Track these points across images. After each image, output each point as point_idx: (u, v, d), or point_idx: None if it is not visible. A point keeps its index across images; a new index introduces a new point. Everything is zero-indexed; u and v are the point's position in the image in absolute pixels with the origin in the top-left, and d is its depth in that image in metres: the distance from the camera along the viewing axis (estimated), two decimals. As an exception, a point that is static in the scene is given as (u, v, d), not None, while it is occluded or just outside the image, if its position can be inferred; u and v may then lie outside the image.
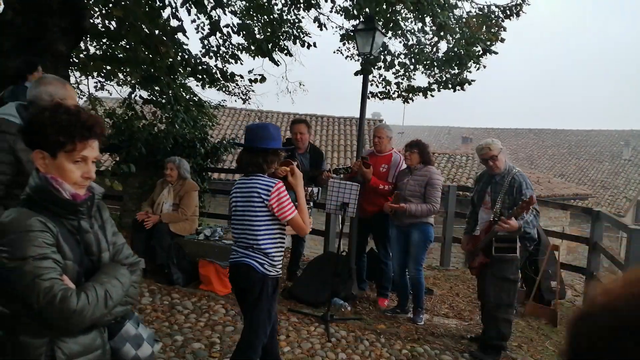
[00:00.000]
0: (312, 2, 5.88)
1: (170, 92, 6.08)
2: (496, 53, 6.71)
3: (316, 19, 6.36)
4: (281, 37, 6.56)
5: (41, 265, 1.29)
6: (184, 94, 6.58)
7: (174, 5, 5.24)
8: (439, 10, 5.44)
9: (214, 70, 6.22)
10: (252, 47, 6.54)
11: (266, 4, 6.49)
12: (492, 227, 3.65)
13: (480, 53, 6.67)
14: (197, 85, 6.85)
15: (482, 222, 3.90)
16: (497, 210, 3.68)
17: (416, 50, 7.07)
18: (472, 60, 6.68)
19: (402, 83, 7.51)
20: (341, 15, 6.61)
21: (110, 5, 5.62)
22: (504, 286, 3.70)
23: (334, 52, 7.80)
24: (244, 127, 3.02)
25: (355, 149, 6.16)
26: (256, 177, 2.58)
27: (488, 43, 6.65)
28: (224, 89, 7.63)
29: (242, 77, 6.68)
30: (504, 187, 3.68)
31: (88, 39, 6.47)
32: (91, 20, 5.63)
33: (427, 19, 5.88)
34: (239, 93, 7.96)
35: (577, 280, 6.81)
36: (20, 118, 2.21)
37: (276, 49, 6.45)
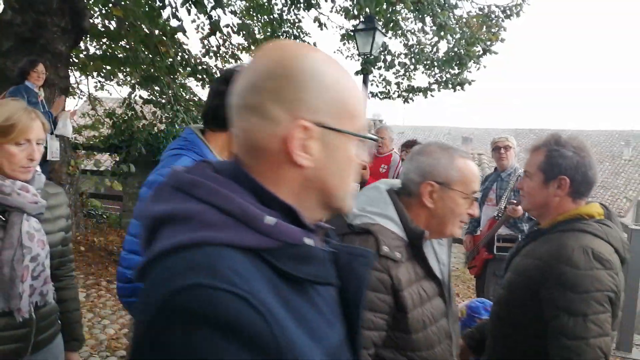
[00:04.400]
0: (312, 2, 5.87)
1: (170, 92, 6.07)
2: (496, 53, 6.72)
3: (316, 19, 6.36)
4: (281, 37, 6.56)
5: None
6: (183, 93, 6.57)
7: (174, 5, 5.24)
8: (439, 10, 5.44)
9: (213, 70, 6.22)
10: (252, 47, 6.54)
11: (266, 3, 6.49)
12: (495, 224, 3.67)
13: (480, 53, 6.67)
14: (197, 85, 6.85)
15: (485, 219, 3.91)
16: (502, 206, 3.70)
17: (416, 50, 7.07)
18: (472, 60, 6.68)
19: (402, 83, 7.51)
20: (341, 15, 6.62)
21: (110, 5, 5.62)
22: None
23: (334, 52, 7.81)
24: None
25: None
26: None
27: (488, 43, 6.66)
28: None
29: (242, 77, 6.69)
30: (510, 184, 3.74)
31: (88, 38, 6.46)
32: (91, 20, 5.63)
33: (428, 19, 5.88)
34: (239, 93, 7.96)
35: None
36: (404, 227, 1.25)
37: (276, 49, 6.45)
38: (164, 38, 5.39)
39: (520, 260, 1.46)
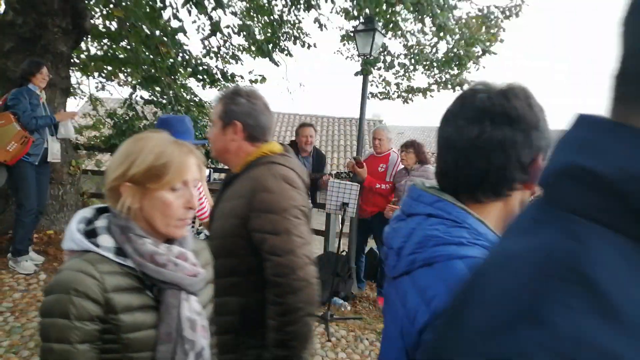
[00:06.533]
0: (312, 3, 5.90)
1: (171, 92, 6.10)
2: (495, 54, 6.74)
3: (316, 20, 6.39)
4: (281, 37, 6.59)
5: None
6: (184, 94, 6.60)
7: (174, 6, 5.26)
8: (439, 11, 5.46)
9: (214, 71, 6.24)
10: (253, 48, 6.57)
11: (266, 4, 6.52)
12: None
13: (479, 54, 6.70)
14: (197, 86, 6.87)
15: None
16: None
17: (416, 51, 7.10)
18: (471, 61, 6.71)
19: (401, 83, 7.55)
20: (341, 16, 6.65)
21: (111, 5, 5.64)
22: None
23: (334, 53, 7.85)
24: (157, 119, 2.58)
25: (355, 149, 6.19)
26: None
27: (487, 44, 6.68)
28: (224, 90, 7.66)
29: (242, 77, 6.72)
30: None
31: (89, 39, 6.49)
32: (92, 21, 5.65)
33: (427, 20, 5.90)
34: (239, 93, 7.98)
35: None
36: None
37: (276, 50, 6.48)
38: (165, 39, 5.42)
39: (224, 205, 1.51)
